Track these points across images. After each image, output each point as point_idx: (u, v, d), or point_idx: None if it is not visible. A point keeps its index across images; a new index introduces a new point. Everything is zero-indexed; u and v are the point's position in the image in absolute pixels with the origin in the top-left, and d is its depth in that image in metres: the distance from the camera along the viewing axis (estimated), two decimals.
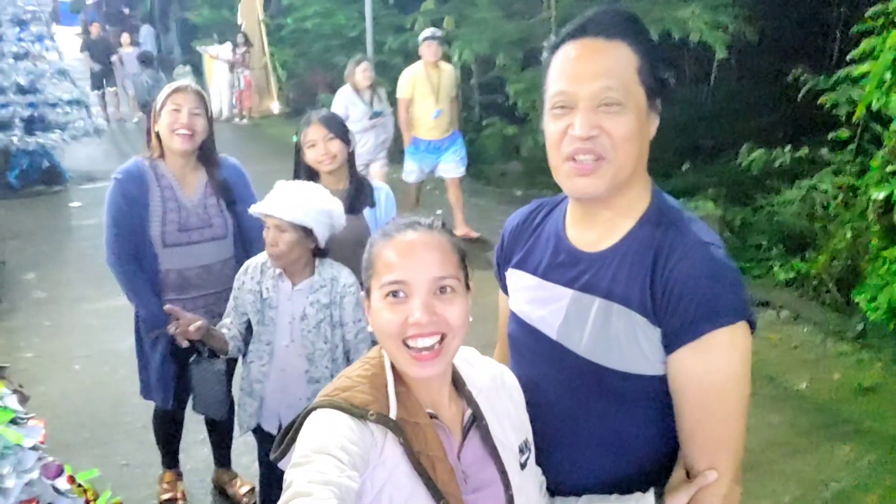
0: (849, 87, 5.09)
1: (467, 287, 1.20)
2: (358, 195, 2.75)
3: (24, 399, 2.20)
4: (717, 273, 1.15)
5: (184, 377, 2.67)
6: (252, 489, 3.06)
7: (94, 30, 14.28)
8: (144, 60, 10.72)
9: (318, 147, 2.67)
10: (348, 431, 1.05)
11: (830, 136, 5.42)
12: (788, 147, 5.81)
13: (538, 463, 1.33)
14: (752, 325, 1.17)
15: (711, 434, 1.19)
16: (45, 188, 8.49)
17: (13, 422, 2.04)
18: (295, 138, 2.78)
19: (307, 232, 2.26)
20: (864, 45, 4.60)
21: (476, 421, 1.22)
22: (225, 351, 2.38)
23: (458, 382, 1.24)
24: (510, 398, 1.30)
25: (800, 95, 5.69)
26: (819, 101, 5.37)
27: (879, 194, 4.67)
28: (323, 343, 2.33)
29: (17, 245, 6.53)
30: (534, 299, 1.35)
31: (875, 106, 4.36)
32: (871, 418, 3.64)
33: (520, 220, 1.46)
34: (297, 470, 0.98)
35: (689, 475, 1.22)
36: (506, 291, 1.47)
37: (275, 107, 14.23)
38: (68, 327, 4.87)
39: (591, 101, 1.16)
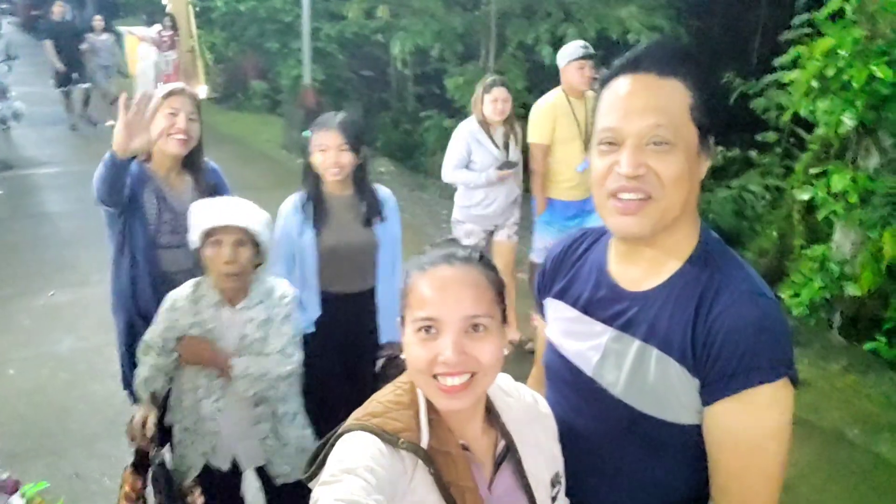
0: (777, 93, 5.37)
1: (504, 320, 1.19)
2: (371, 210, 2.69)
3: None
4: (763, 326, 1.11)
5: None
6: None
7: (58, 10, 10.61)
8: None
9: (330, 154, 2.58)
10: (378, 455, 1.05)
11: (759, 137, 5.71)
12: (721, 148, 6.10)
13: (566, 495, 1.32)
14: (794, 381, 1.14)
15: (745, 490, 1.16)
16: None
17: None
18: (306, 134, 2.68)
19: (256, 245, 2.16)
20: (792, 52, 4.87)
21: (509, 453, 1.20)
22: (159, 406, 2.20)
23: (491, 413, 1.22)
24: (543, 429, 1.28)
25: (731, 99, 5.96)
26: (750, 106, 5.66)
27: (803, 196, 4.98)
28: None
29: None
30: (572, 332, 1.32)
31: (803, 113, 4.62)
32: (804, 411, 3.84)
33: (562, 249, 1.42)
34: (325, 488, 0.99)
35: None
36: (545, 319, 1.45)
37: (202, 91, 13.77)
38: None
39: (640, 138, 1.13)
